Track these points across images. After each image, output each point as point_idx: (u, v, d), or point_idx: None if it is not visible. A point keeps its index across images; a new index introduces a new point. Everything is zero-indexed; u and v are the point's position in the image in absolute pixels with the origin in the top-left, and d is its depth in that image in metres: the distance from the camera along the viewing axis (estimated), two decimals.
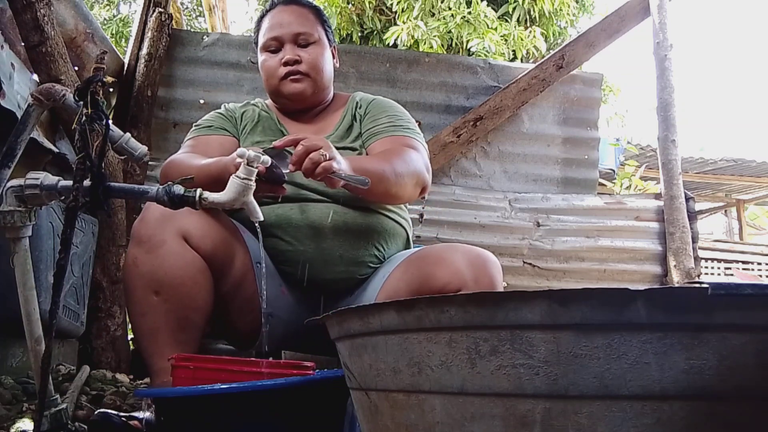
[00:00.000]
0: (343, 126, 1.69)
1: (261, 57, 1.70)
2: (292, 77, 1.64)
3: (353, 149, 1.64)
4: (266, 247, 1.53)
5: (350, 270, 1.54)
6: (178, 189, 1.15)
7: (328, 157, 1.29)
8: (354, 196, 1.55)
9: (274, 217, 1.51)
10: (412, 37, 6.49)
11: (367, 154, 1.63)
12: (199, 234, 1.39)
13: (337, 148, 1.61)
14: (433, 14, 6.78)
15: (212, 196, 1.16)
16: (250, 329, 1.52)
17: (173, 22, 3.10)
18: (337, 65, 1.78)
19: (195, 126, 1.72)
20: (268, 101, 1.78)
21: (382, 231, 1.58)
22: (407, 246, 1.69)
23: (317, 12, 1.74)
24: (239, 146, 1.65)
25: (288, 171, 1.32)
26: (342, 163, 1.34)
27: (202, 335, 1.46)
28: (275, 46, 1.67)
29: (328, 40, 1.73)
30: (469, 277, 1.38)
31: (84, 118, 1.07)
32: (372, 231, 1.57)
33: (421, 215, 3.06)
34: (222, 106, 1.79)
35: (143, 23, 3.00)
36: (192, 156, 1.53)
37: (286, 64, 1.64)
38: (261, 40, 1.70)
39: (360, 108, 1.72)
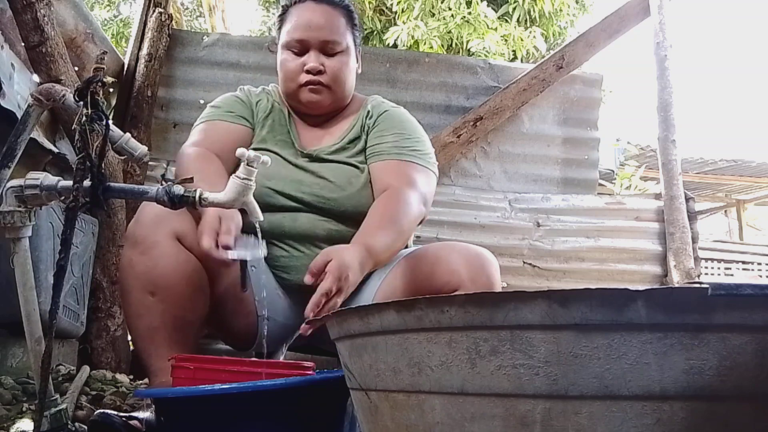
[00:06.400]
0: (349, 137, 1.62)
1: (282, 54, 1.60)
2: (311, 87, 1.56)
3: (351, 165, 1.58)
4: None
5: None
6: (178, 189, 1.15)
7: (339, 303, 1.24)
8: (347, 212, 1.53)
9: (267, 224, 1.46)
10: (412, 37, 6.50)
11: (369, 172, 1.58)
12: (193, 235, 1.38)
13: (334, 161, 1.58)
14: (433, 14, 6.79)
15: (212, 196, 1.16)
16: (245, 330, 1.51)
17: (173, 22, 3.10)
18: (359, 71, 1.69)
19: (213, 107, 1.66)
20: (281, 89, 1.69)
21: None
22: (405, 247, 1.68)
23: (349, 14, 1.63)
24: (252, 138, 1.61)
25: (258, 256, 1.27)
26: (355, 268, 1.27)
27: (200, 335, 1.46)
28: (299, 48, 1.57)
29: (355, 44, 1.65)
30: (466, 276, 1.37)
31: (84, 118, 1.07)
32: None
33: None
34: (239, 89, 1.71)
35: (143, 23, 3.00)
36: (206, 166, 1.44)
37: (308, 72, 1.55)
38: (285, 37, 1.59)
39: (370, 118, 1.65)
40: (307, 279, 1.25)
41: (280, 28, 1.63)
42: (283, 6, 1.65)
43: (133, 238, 1.39)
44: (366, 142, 1.61)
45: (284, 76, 1.60)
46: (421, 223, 1.56)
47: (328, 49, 1.57)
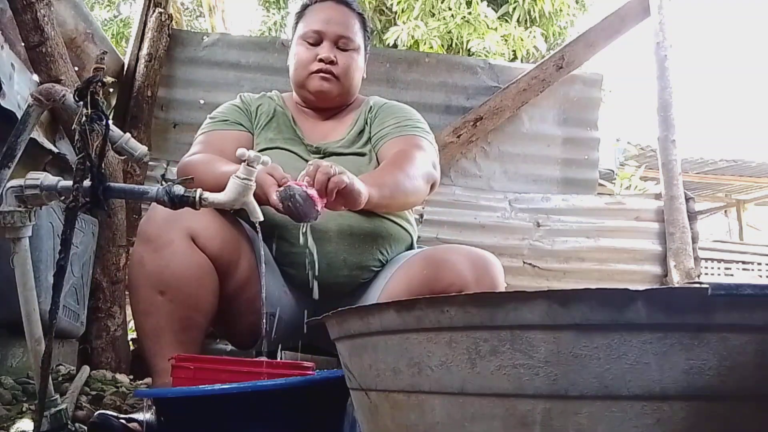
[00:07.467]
0: (355, 130, 1.70)
1: (296, 47, 1.69)
2: (322, 75, 1.65)
3: (362, 154, 1.66)
4: (270, 249, 1.52)
5: (353, 274, 1.54)
6: (178, 189, 1.15)
7: (338, 172, 1.29)
8: None
9: (279, 219, 1.49)
10: (412, 37, 6.50)
11: (377, 159, 1.65)
12: (206, 234, 1.39)
13: (346, 154, 1.65)
14: (433, 14, 6.79)
15: (212, 196, 1.16)
16: (251, 329, 1.51)
17: (173, 22, 3.10)
18: (365, 76, 1.78)
19: (210, 119, 1.71)
20: (285, 95, 1.78)
21: (387, 236, 1.57)
22: (411, 249, 1.68)
23: (363, 20, 1.76)
24: (253, 142, 1.67)
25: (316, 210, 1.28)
26: (355, 182, 1.33)
27: (204, 336, 1.46)
28: (315, 39, 1.66)
29: (365, 49, 1.76)
30: (471, 279, 1.38)
31: (84, 118, 1.07)
32: (377, 236, 1.56)
33: (421, 215, 3.06)
34: (238, 97, 1.78)
35: (143, 23, 3.00)
36: (210, 159, 1.52)
37: (320, 61, 1.64)
38: (302, 30, 1.69)
39: (372, 112, 1.74)
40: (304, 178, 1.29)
41: (296, 24, 1.73)
42: (303, 4, 1.75)
43: (145, 235, 1.39)
44: (370, 132, 1.70)
45: (297, 65, 1.68)
46: (432, 189, 1.65)
47: (341, 43, 1.67)
